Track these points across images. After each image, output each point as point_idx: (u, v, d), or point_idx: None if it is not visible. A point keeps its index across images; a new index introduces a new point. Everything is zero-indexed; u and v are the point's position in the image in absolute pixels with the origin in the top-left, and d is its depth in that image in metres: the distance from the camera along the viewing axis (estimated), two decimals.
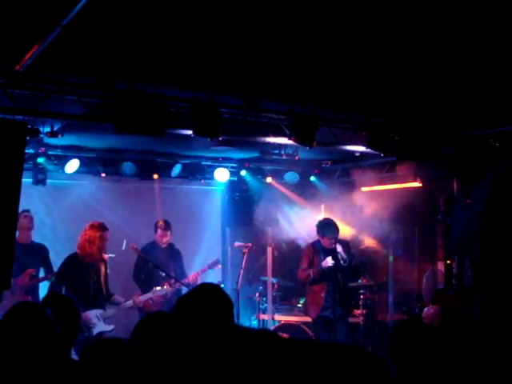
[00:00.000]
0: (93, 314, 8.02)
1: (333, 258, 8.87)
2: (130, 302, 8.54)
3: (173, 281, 9.04)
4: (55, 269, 8.66)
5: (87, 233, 8.16)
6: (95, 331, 7.99)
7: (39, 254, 8.89)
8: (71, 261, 8.14)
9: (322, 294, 8.95)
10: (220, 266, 10.15)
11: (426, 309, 7.66)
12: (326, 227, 9.15)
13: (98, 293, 8.19)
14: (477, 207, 8.99)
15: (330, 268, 8.92)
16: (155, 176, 10.54)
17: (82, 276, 8.04)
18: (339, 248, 9.01)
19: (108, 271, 8.52)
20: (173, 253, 9.83)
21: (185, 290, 8.98)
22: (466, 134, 8.93)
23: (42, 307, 3.42)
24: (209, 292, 3.43)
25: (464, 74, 6.52)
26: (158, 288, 8.84)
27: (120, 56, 5.93)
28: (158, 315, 3.25)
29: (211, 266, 9.71)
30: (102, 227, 8.20)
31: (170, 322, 3.10)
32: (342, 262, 8.98)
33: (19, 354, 3.18)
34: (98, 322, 8.04)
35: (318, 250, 9.15)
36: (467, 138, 8.96)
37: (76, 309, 4.21)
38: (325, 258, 9.01)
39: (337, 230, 9.13)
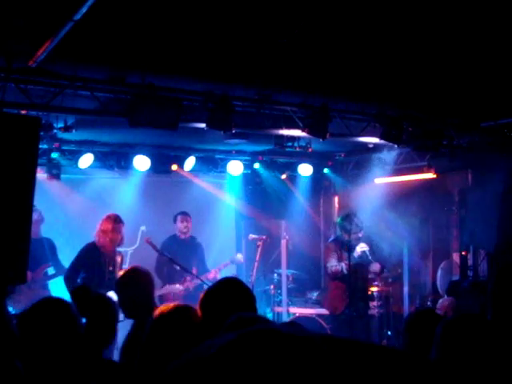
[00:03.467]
0: None
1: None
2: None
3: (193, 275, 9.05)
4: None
5: (102, 223, 8.16)
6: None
7: (49, 248, 8.91)
8: (88, 248, 8.16)
9: (348, 292, 8.79)
10: (242, 259, 10.19)
11: (440, 300, 7.65)
12: (349, 222, 9.05)
13: (113, 283, 8.16)
14: (492, 198, 8.94)
15: (357, 263, 8.85)
16: (174, 167, 10.53)
17: (97, 264, 8.05)
18: (364, 247, 8.92)
19: (124, 265, 8.47)
20: (194, 247, 9.84)
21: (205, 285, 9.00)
22: (480, 125, 8.87)
23: (68, 304, 3.38)
24: (231, 286, 3.44)
25: (478, 63, 6.47)
26: (170, 286, 8.84)
27: (133, 50, 5.93)
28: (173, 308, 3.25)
29: (233, 261, 9.76)
30: (115, 220, 8.16)
31: (184, 316, 3.09)
32: (370, 257, 8.93)
33: (42, 350, 3.17)
34: None
35: (342, 245, 8.98)
36: (482, 129, 8.90)
37: (108, 307, 4.11)
38: (349, 252, 8.92)
39: (360, 224, 9.02)
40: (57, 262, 8.92)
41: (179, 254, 9.22)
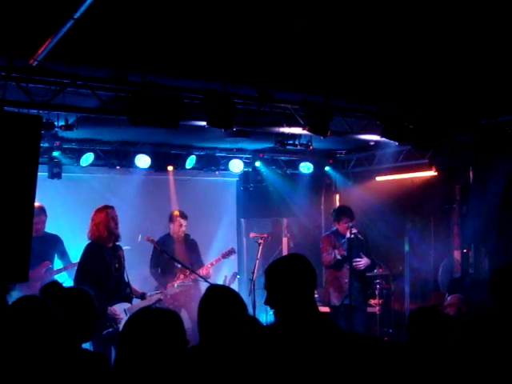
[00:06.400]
0: (121, 309, 7.79)
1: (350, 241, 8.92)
2: (155, 297, 8.14)
3: (188, 272, 8.99)
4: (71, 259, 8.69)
5: (93, 217, 7.88)
6: (122, 326, 7.69)
7: (52, 244, 8.84)
8: (89, 249, 7.78)
9: (346, 280, 8.90)
10: (234, 255, 10.07)
11: (449, 297, 7.59)
12: (342, 213, 9.18)
13: (121, 282, 7.88)
14: (493, 195, 8.94)
15: (350, 249, 8.95)
16: (170, 168, 10.56)
17: (103, 262, 7.71)
18: (354, 230, 8.98)
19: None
20: (189, 244, 9.80)
21: (201, 282, 8.94)
22: (481, 122, 8.86)
23: (43, 299, 3.42)
24: (219, 294, 3.82)
25: (479, 60, 6.46)
26: (176, 284, 8.79)
27: (134, 48, 5.92)
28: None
29: (226, 256, 9.64)
30: (105, 206, 7.91)
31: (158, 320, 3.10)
32: (362, 238, 9.01)
33: (25, 348, 3.17)
34: (126, 316, 7.79)
35: (337, 236, 9.21)
36: (483, 126, 8.89)
37: (84, 301, 4.19)
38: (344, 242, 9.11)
39: (352, 214, 9.18)
40: (64, 257, 8.87)
41: (176, 252, 9.18)
